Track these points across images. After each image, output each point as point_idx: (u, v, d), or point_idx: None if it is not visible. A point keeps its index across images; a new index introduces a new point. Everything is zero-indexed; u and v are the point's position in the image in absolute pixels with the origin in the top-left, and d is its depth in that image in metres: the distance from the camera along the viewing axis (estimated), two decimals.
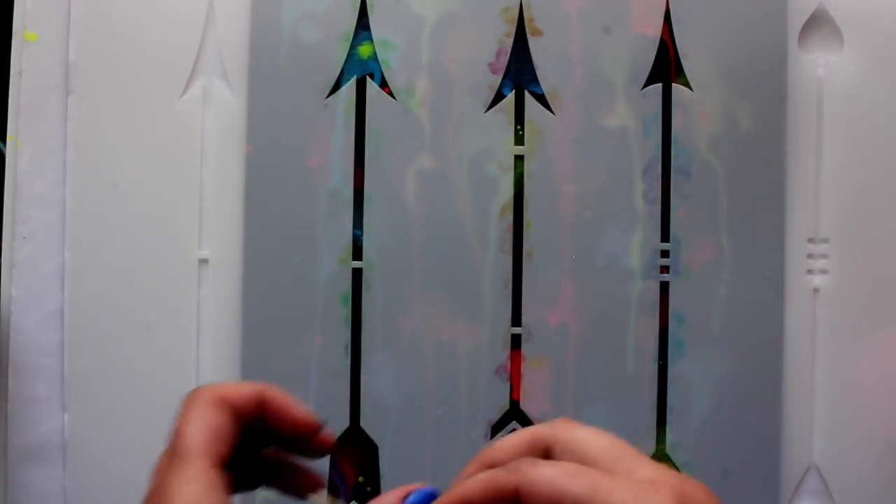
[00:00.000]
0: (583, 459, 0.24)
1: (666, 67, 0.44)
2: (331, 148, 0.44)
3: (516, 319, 0.44)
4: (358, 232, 0.44)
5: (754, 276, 0.44)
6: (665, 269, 0.44)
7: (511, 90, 0.44)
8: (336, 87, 0.44)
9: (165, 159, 0.44)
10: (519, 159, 0.44)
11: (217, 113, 0.44)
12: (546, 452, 0.25)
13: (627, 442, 0.25)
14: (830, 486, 0.44)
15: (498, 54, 0.44)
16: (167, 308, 0.44)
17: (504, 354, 0.44)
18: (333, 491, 0.44)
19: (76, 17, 0.44)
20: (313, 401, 0.43)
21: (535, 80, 0.44)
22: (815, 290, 0.45)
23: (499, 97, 0.44)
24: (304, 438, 0.27)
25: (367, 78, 0.44)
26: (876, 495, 0.44)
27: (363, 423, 0.44)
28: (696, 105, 0.44)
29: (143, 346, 0.44)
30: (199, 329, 0.44)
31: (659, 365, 0.44)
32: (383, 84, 0.44)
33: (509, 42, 0.44)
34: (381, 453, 0.44)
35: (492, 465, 0.25)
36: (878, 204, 0.45)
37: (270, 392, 0.27)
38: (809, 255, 0.44)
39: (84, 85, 0.44)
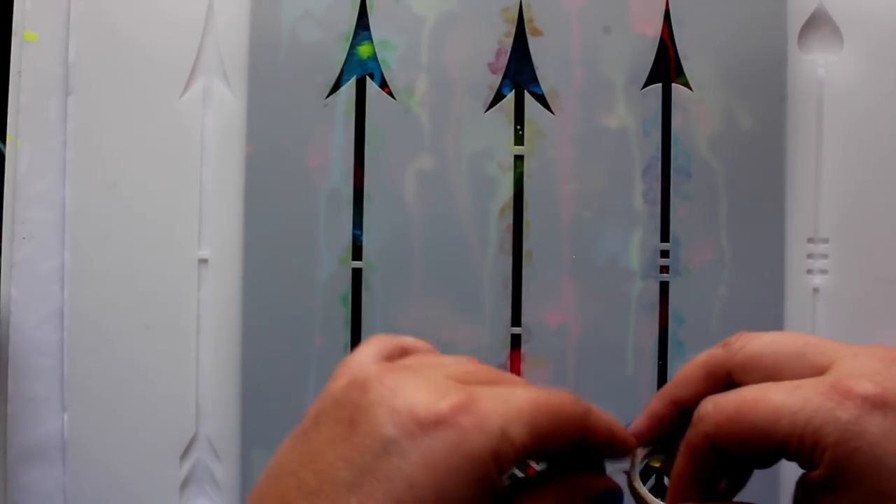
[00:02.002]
0: (765, 377, 0.22)
1: (666, 67, 0.44)
2: (330, 148, 0.44)
3: (516, 319, 0.44)
4: (358, 232, 0.44)
5: (754, 276, 0.44)
6: (665, 269, 0.44)
7: (511, 90, 0.44)
8: (336, 87, 0.44)
9: (165, 159, 0.44)
10: (519, 159, 0.44)
11: (217, 113, 0.44)
12: (728, 380, 0.23)
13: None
14: None
15: (498, 54, 0.44)
16: (167, 308, 0.44)
17: (504, 354, 0.44)
18: None
19: (76, 17, 0.44)
20: (313, 401, 0.43)
21: (535, 80, 0.44)
22: (815, 290, 0.44)
23: (499, 97, 0.44)
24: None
25: (367, 78, 0.44)
26: None
27: None
28: (695, 105, 0.44)
29: (143, 347, 0.44)
30: (199, 329, 0.44)
31: (658, 365, 0.44)
32: (383, 84, 0.44)
33: (509, 42, 0.44)
34: None
35: (677, 402, 0.25)
36: (878, 204, 0.45)
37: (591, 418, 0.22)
38: (809, 255, 0.44)
39: (84, 85, 0.44)
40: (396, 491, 0.18)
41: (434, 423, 0.19)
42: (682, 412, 0.25)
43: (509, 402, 0.20)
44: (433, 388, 0.20)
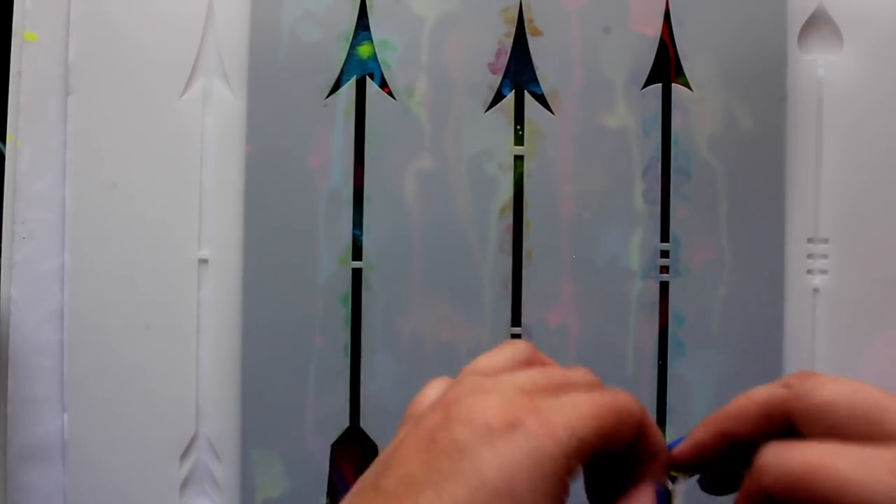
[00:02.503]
0: (830, 430, 0.22)
1: (666, 67, 0.44)
2: (330, 148, 0.44)
3: (516, 319, 0.44)
4: (358, 232, 0.44)
5: (754, 276, 0.44)
6: (665, 269, 0.44)
7: (511, 90, 0.44)
8: (336, 87, 0.44)
9: (165, 159, 0.44)
10: (519, 159, 0.44)
11: (217, 113, 0.44)
12: (787, 422, 0.23)
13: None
14: None
15: (498, 54, 0.44)
16: (167, 308, 0.44)
17: None
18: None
19: (76, 17, 0.44)
20: (313, 401, 0.43)
21: (535, 80, 0.44)
22: (815, 290, 0.44)
23: (498, 97, 0.44)
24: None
25: (367, 78, 0.44)
26: None
27: (363, 424, 0.44)
28: (695, 105, 0.44)
29: (143, 347, 0.44)
30: (199, 329, 0.44)
31: (658, 365, 0.44)
32: (383, 84, 0.44)
33: (509, 42, 0.44)
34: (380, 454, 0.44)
35: (727, 436, 0.25)
36: (878, 204, 0.45)
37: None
38: (809, 255, 0.44)
39: (84, 85, 0.44)
40: (470, 484, 0.20)
41: (505, 429, 0.21)
42: (730, 445, 0.25)
43: (574, 409, 0.22)
44: (503, 400, 0.22)
